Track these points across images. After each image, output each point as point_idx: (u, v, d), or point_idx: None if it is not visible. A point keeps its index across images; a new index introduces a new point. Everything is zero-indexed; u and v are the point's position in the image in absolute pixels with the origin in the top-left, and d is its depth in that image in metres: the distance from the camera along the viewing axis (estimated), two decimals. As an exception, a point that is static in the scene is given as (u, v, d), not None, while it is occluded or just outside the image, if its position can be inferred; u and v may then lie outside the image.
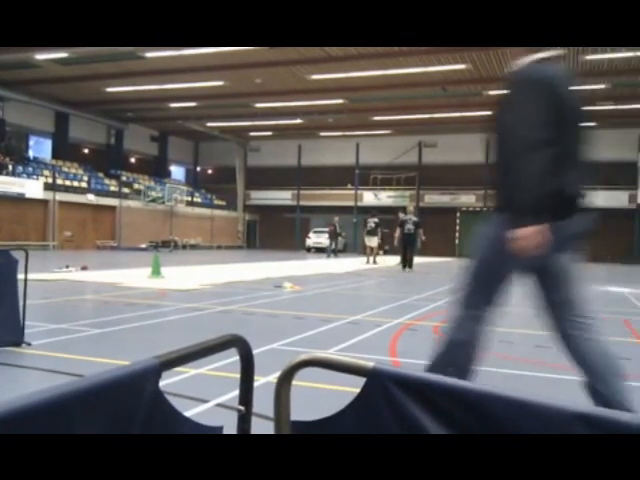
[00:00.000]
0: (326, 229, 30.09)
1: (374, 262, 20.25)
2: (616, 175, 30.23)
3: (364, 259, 21.09)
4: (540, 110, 2.48)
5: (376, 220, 19.84)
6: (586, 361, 2.49)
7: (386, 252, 25.75)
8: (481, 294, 2.71)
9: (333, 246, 26.29)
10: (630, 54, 18.76)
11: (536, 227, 2.39)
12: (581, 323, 2.53)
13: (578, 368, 2.51)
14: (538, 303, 2.63)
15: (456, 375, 2.57)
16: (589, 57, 19.46)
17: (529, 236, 2.40)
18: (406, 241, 16.84)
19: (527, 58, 2.72)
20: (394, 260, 20.07)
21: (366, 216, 22.07)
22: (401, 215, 17.51)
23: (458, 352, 2.72)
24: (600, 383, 2.44)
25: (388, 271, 16.85)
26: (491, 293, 2.72)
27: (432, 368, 2.74)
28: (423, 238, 17.35)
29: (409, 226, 16.75)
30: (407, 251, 16.97)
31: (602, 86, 22.69)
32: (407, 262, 16.88)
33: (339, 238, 28.50)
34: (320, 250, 31.34)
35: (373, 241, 20.22)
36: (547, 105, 2.49)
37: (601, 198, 31.16)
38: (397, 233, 17.17)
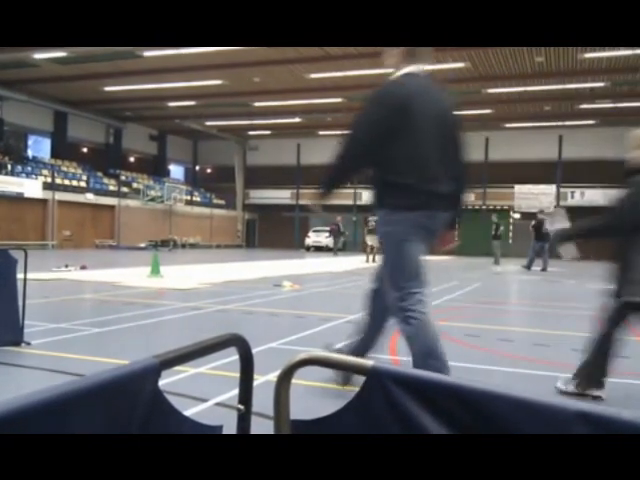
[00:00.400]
0: (326, 228, 30.08)
1: (373, 261, 20.26)
2: (616, 173, 30.20)
3: (364, 258, 21.09)
4: (378, 121, 2.86)
5: (377, 219, 19.83)
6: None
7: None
8: (408, 278, 2.85)
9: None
10: (629, 52, 18.75)
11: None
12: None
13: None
14: None
15: (437, 364, 2.68)
16: (588, 55, 19.45)
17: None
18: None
19: (396, 71, 2.93)
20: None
21: (366, 215, 22.08)
22: None
23: (423, 341, 2.81)
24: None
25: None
26: (415, 274, 2.99)
27: (414, 365, 2.81)
28: None
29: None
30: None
31: (601, 84, 22.70)
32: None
33: (341, 237, 28.48)
34: (319, 249, 31.32)
35: (375, 240, 20.24)
36: (393, 117, 2.84)
37: (601, 196, 31.27)
38: None
